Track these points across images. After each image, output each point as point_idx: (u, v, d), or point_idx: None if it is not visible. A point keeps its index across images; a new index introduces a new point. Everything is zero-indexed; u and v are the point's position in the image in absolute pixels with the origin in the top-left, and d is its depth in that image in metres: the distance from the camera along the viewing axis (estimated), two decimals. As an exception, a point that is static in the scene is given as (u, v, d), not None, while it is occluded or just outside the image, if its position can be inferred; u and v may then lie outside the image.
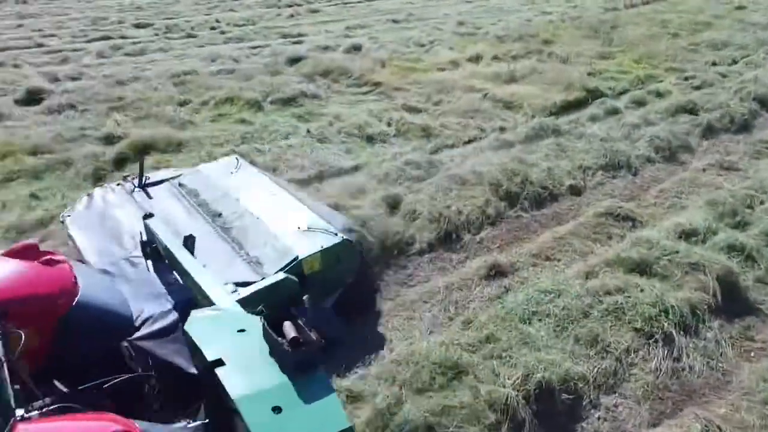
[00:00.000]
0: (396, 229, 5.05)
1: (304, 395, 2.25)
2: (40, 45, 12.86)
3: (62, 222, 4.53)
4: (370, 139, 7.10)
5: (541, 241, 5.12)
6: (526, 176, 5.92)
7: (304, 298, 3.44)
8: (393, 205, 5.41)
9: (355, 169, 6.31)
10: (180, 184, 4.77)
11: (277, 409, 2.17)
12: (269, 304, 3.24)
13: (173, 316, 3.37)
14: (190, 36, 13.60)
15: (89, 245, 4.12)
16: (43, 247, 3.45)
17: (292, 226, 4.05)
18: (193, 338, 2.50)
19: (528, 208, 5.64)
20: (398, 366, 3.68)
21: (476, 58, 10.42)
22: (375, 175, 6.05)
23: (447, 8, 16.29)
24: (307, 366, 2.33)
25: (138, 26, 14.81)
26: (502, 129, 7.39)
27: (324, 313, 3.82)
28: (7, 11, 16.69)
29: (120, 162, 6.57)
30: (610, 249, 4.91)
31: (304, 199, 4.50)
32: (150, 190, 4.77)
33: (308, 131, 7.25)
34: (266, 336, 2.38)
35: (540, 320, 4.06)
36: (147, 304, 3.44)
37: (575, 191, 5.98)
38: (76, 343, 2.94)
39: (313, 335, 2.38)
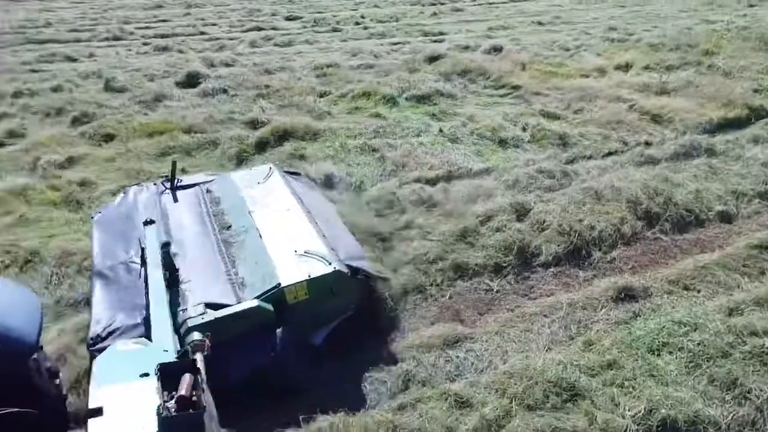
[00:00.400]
0: (520, 237, 4.90)
1: None
2: (202, 33, 13.99)
3: (92, 218, 4.55)
4: (502, 143, 6.95)
5: (681, 268, 4.72)
6: (669, 196, 5.50)
7: (278, 330, 3.38)
8: (521, 212, 5.26)
9: (485, 172, 6.20)
10: (207, 190, 4.73)
11: None
12: (238, 332, 3.28)
13: (139, 331, 3.21)
14: (335, 30, 14.12)
15: (99, 245, 4.09)
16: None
17: (289, 249, 3.79)
18: (92, 376, 2.35)
19: (669, 230, 5.23)
20: (510, 378, 3.57)
21: (625, 67, 9.83)
22: (505, 180, 5.91)
23: (597, 12, 15.54)
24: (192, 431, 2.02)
25: (288, 19, 15.62)
26: (647, 144, 6.91)
27: (291, 351, 3.43)
28: (178, 1, 18.29)
29: (261, 146, 6.97)
30: (761, 286, 4.42)
31: (328, 220, 4.31)
32: (179, 193, 4.72)
33: (440, 130, 7.24)
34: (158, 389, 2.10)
35: (671, 353, 3.75)
36: (121, 313, 3.35)
37: (725, 218, 5.45)
38: None
39: (206, 397, 2.11)
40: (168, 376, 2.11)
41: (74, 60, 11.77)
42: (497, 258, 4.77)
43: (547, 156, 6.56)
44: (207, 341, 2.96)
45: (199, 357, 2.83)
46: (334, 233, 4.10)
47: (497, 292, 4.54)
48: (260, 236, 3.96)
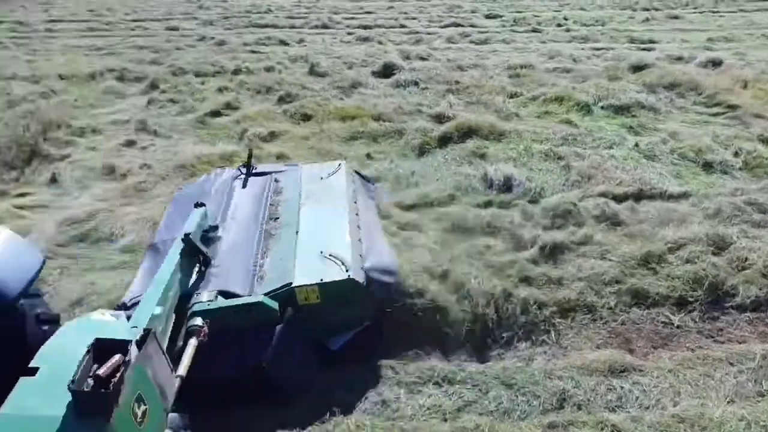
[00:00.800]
0: (714, 273, 4.39)
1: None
2: (402, 26, 14.49)
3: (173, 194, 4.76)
4: (707, 167, 6.26)
5: None
6: None
7: (277, 327, 3.29)
8: (719, 245, 4.70)
9: (682, 196, 5.64)
10: (276, 180, 4.76)
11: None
12: (240, 325, 3.23)
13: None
14: (534, 30, 13.78)
15: (165, 220, 4.31)
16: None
17: (317, 250, 3.75)
18: (50, 337, 2.43)
19: None
20: (680, 423, 3.22)
21: None
22: (704, 207, 5.33)
23: None
24: (96, 410, 2.02)
25: (488, 17, 15.56)
26: None
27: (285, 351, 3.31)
28: (384, -6, 19.17)
29: (444, 140, 7.03)
30: None
31: (373, 229, 4.21)
32: (251, 179, 4.77)
33: (636, 145, 6.73)
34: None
35: None
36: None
37: None
38: None
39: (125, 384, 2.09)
40: (103, 351, 2.15)
41: (286, 44, 12.91)
42: (683, 291, 4.32)
43: (761, 187, 5.78)
44: (205, 328, 3.07)
45: (193, 342, 2.99)
46: (373, 243, 4.02)
47: (678, 327, 4.12)
48: (296, 232, 3.99)
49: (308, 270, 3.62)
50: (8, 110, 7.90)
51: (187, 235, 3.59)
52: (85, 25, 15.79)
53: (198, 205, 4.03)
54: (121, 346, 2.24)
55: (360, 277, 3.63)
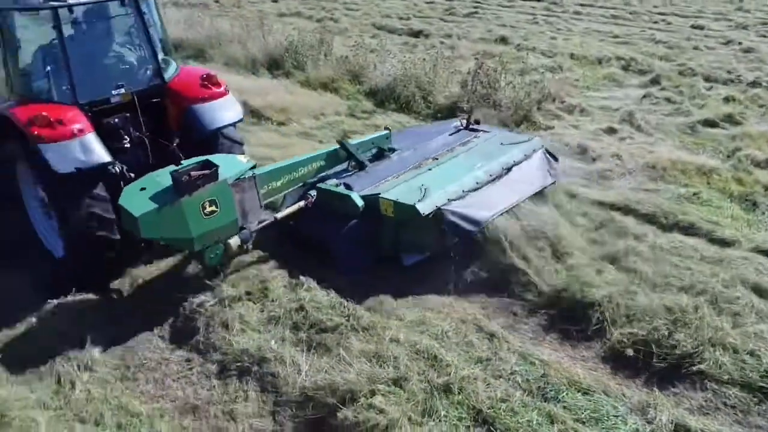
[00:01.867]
0: None
1: (167, 195, 3.95)
2: None
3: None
4: None
5: None
6: None
7: (353, 221, 4.65)
8: None
9: None
10: (475, 136, 5.68)
11: (142, 189, 4.04)
12: (335, 208, 4.73)
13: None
14: None
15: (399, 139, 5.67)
16: None
17: (424, 184, 4.71)
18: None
19: None
20: None
21: None
22: None
23: None
24: (185, 189, 3.99)
25: None
26: None
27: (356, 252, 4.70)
28: None
29: None
30: None
31: (505, 192, 4.86)
32: (463, 132, 5.81)
33: None
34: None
35: None
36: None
37: None
38: None
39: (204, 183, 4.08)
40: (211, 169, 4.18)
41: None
42: None
43: None
44: (311, 198, 4.74)
45: (300, 203, 4.71)
46: (485, 200, 4.70)
47: None
48: (429, 168, 5.07)
49: (401, 192, 4.64)
50: (518, 77, 8.84)
51: (340, 140, 5.30)
52: (610, 12, 16.23)
53: (386, 128, 5.74)
54: (217, 172, 4.20)
55: (425, 209, 4.43)
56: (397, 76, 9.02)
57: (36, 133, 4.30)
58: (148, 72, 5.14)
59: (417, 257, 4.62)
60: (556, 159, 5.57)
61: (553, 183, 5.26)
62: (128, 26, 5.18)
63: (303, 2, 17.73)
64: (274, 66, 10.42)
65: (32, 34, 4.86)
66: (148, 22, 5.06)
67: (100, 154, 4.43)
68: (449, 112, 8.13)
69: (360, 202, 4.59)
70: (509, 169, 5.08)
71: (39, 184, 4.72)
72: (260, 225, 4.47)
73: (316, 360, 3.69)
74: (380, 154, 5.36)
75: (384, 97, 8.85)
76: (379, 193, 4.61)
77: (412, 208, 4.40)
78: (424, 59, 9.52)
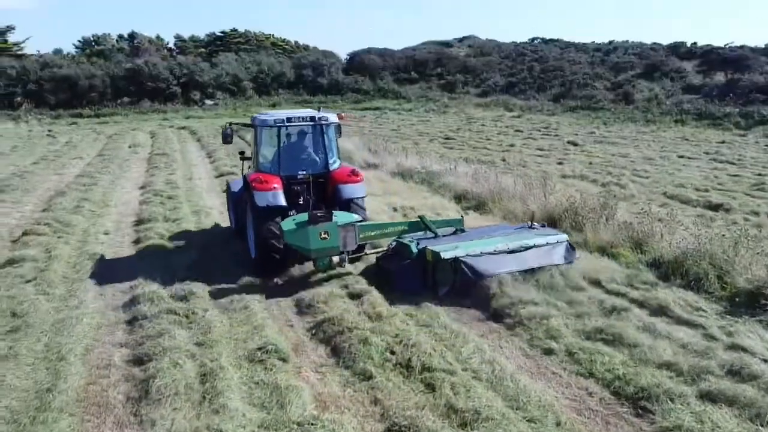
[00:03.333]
0: None
1: (303, 223, 7.75)
2: None
3: None
4: None
5: None
6: None
7: (408, 261, 7.90)
8: None
9: None
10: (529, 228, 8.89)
11: (294, 220, 7.96)
12: (402, 254, 8.06)
13: None
14: None
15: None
16: None
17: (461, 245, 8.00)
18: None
19: None
20: None
21: None
22: None
23: None
24: (312, 221, 7.72)
25: None
26: None
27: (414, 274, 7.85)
28: None
29: None
30: None
31: (521, 260, 7.82)
32: (525, 227, 9.00)
33: None
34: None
35: None
36: None
37: None
38: None
39: (324, 221, 7.78)
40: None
41: None
42: None
43: None
44: (391, 245, 8.45)
45: (384, 247, 8.69)
46: (498, 263, 7.66)
47: None
48: (471, 239, 8.36)
49: (440, 247, 7.74)
50: None
51: (420, 217, 8.69)
52: None
53: (460, 215, 9.86)
54: (332, 216, 7.96)
55: (446, 256, 7.52)
56: (688, 249, 8.18)
57: (253, 184, 8.46)
58: (321, 164, 9.16)
59: (446, 288, 7.60)
60: (573, 249, 8.33)
61: (568, 263, 8.01)
62: (316, 139, 9.28)
63: (589, 166, 17.80)
64: (551, 224, 10.41)
65: (267, 137, 9.26)
66: (326, 138, 9.12)
67: (282, 200, 8.41)
68: (750, 298, 6.98)
69: (415, 250, 7.96)
70: (527, 248, 7.91)
71: (251, 213, 8.68)
72: (353, 254, 8.54)
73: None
74: (454, 231, 8.78)
75: (669, 270, 8.03)
76: (427, 246, 7.88)
77: (438, 255, 7.55)
78: (723, 235, 8.53)
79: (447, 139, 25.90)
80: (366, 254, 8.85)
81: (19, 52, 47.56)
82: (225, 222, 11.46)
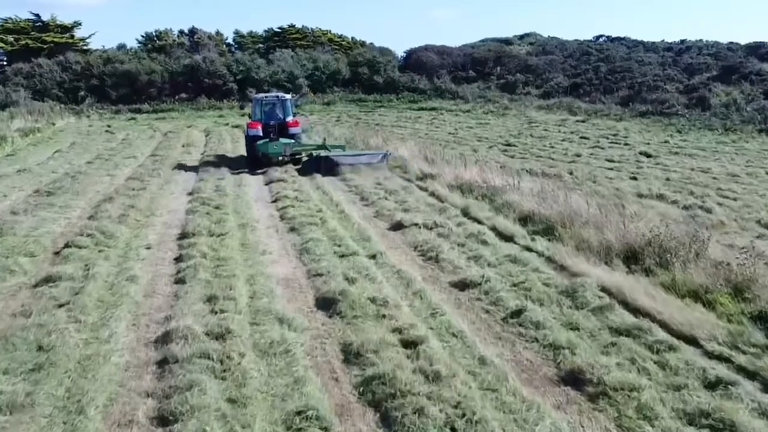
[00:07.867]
0: None
1: (270, 143, 18.64)
2: None
3: None
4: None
5: None
6: None
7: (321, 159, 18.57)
8: None
9: None
10: None
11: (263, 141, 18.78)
12: (310, 157, 19.16)
13: None
14: None
15: None
16: None
17: None
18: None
19: None
20: None
21: None
22: None
23: None
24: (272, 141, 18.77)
25: None
26: None
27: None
28: None
29: None
30: None
31: None
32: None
33: None
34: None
35: None
36: None
37: None
38: None
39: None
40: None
41: None
42: None
43: None
44: (304, 156, 19.35)
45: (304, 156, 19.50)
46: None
47: None
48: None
49: (327, 154, 18.69)
50: None
51: (324, 140, 20.70)
52: None
53: (343, 146, 21.34)
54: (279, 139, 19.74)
55: (324, 155, 18.71)
56: (806, 303, 6.89)
57: (248, 125, 19.43)
58: (282, 117, 19.55)
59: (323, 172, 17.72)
60: (387, 155, 18.42)
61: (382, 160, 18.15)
62: (279, 106, 19.96)
63: (666, 182, 16.30)
64: (632, 258, 9.20)
65: (256, 105, 20.20)
66: (285, 106, 19.94)
67: (260, 133, 18.71)
68: None
69: (314, 155, 18.65)
70: (362, 155, 18.75)
71: (246, 140, 19.41)
72: (290, 157, 18.53)
73: None
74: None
75: (782, 329, 6.77)
76: (319, 153, 18.52)
77: (321, 156, 18.37)
78: None
79: (508, 145, 24.65)
80: (301, 157, 18.90)
81: (85, 48, 48.74)
82: (273, 240, 10.79)
